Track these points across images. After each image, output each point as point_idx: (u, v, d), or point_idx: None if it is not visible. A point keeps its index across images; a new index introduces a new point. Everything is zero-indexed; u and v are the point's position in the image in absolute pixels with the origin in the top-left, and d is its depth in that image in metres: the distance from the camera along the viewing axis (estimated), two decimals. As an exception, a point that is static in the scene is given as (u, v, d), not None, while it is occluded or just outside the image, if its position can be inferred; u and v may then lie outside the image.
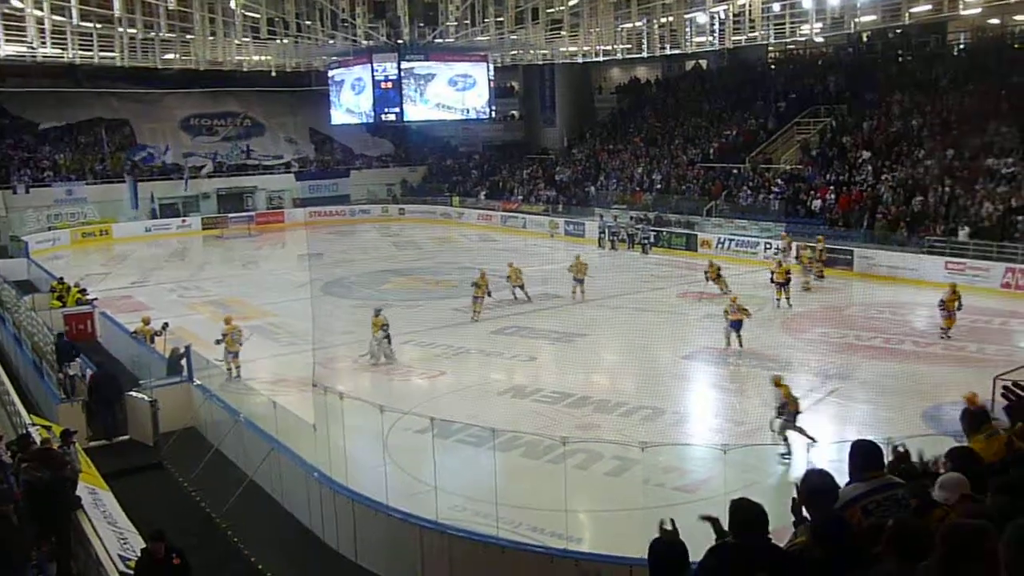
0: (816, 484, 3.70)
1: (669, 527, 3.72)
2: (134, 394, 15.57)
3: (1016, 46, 35.03)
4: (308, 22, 31.43)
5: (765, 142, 36.81)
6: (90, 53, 30.91)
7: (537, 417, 15.11)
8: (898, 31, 38.82)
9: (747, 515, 3.60)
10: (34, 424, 12.44)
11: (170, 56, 34.67)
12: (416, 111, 43.78)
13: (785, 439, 13.11)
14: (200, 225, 44.59)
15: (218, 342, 18.12)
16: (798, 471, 12.12)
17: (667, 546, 3.58)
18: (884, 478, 4.11)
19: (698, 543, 3.85)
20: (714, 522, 3.72)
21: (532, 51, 41.24)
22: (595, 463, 12.82)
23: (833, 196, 30.63)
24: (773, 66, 44.59)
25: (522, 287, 24.44)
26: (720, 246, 31.57)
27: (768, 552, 3.47)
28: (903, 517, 3.48)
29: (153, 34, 30.20)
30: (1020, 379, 12.30)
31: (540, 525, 10.82)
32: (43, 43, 27.60)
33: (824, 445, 12.54)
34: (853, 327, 20.79)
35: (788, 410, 13.07)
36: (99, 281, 28.44)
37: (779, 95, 39.50)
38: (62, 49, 29.73)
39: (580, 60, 41.84)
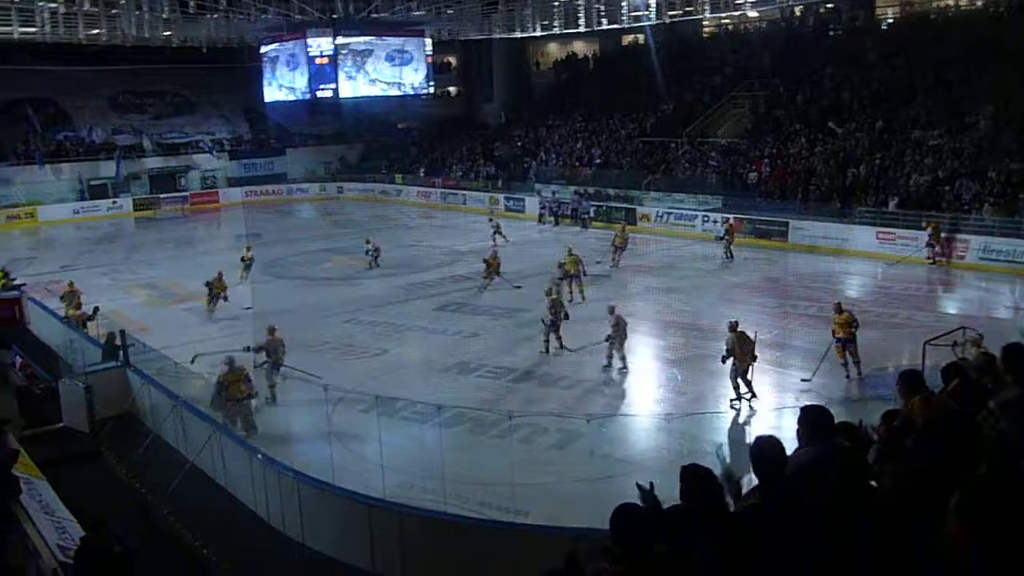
0: (765, 449, 3.77)
1: (649, 487, 3.76)
2: (68, 381, 15.17)
3: (938, 20, 35.93)
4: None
5: (702, 116, 37.21)
6: (9, 28, 29.70)
7: (481, 393, 15.15)
8: (829, 6, 39.60)
9: (698, 481, 3.65)
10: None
11: (95, 32, 33.49)
12: (352, 87, 43.21)
13: (736, 387, 13.72)
14: (131, 207, 43.41)
15: (255, 351, 15.23)
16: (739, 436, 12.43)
17: (644, 508, 3.61)
18: (835, 442, 4.21)
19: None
20: (645, 492, 3.75)
21: (468, 25, 40.91)
22: (540, 436, 12.93)
23: (768, 169, 31.18)
24: (709, 40, 45.00)
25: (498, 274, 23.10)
26: (659, 219, 31.93)
27: (720, 516, 3.53)
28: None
29: (76, 8, 29.08)
30: (947, 343, 12.74)
31: (488, 499, 10.88)
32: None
33: (765, 412, 12.85)
34: (789, 297, 21.28)
35: (734, 359, 13.56)
36: (26, 266, 27.55)
37: (715, 69, 39.95)
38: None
39: (518, 35, 41.77)
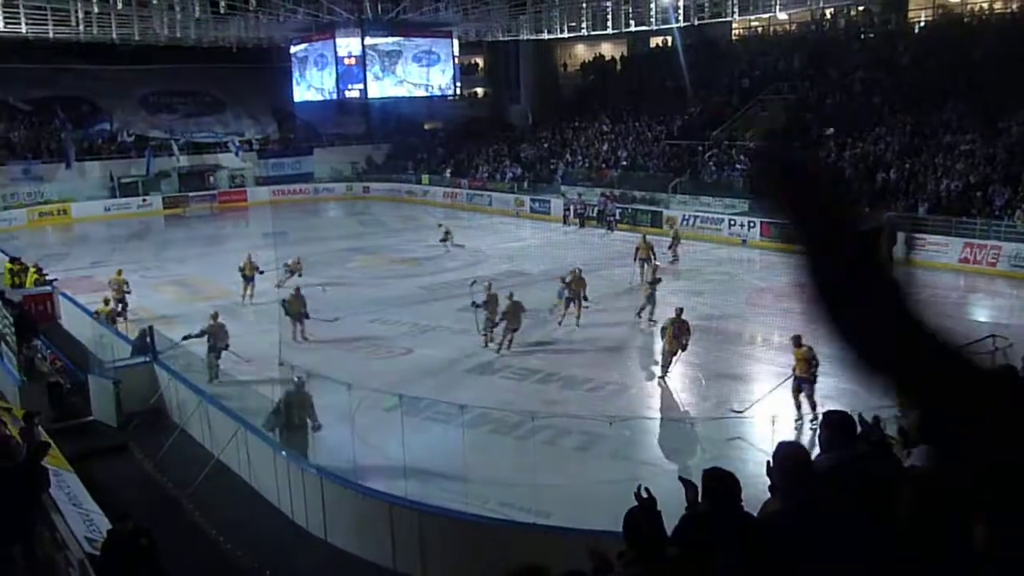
0: (787, 454, 3.76)
1: (645, 495, 3.77)
2: (97, 375, 15.39)
3: (972, 23, 35.48)
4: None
5: (730, 119, 37.02)
6: (44, 28, 30.16)
7: (505, 394, 15.17)
8: (860, 8, 39.21)
9: (720, 484, 3.65)
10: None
11: (127, 32, 33.95)
12: (380, 88, 43.46)
13: (797, 405, 13.00)
14: (161, 204, 43.90)
15: (198, 336, 16.41)
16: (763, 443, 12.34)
17: (643, 513, 3.62)
18: (858, 448, 4.19)
19: (671, 512, 3.90)
20: (690, 486, 3.77)
21: (496, 26, 40.96)
22: (563, 438, 12.91)
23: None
24: (737, 43, 44.73)
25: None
26: (685, 223, 31.77)
27: (740, 520, 3.53)
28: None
29: (109, 8, 29.49)
30: (977, 350, 12.58)
31: (509, 500, 10.89)
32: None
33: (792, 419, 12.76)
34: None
35: (795, 374, 12.99)
36: (59, 261, 27.95)
37: (743, 72, 39.73)
38: (15, 24, 28.98)
39: (545, 36, 41.77)
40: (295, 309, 18.57)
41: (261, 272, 22.30)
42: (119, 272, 21.19)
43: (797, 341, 12.98)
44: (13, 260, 23.88)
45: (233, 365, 16.44)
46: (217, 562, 10.45)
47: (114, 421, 14.77)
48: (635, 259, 22.84)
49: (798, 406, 12.97)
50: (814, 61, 36.93)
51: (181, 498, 11.97)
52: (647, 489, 3.79)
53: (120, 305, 19.58)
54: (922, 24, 38.19)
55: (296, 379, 12.65)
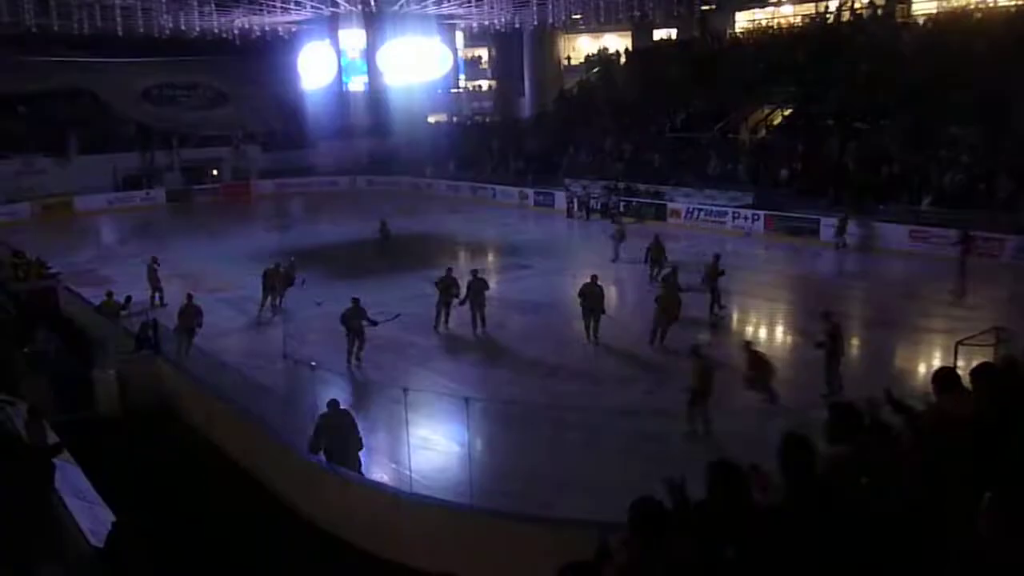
0: (793, 446, 3.76)
1: (678, 482, 3.77)
2: (101, 369, 15.42)
3: (977, 14, 35.31)
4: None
5: (733, 112, 36.90)
6: (47, 20, 30.13)
7: (510, 387, 15.17)
8: (864, 1, 39.07)
9: (725, 475, 3.65)
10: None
11: (131, 23, 33.92)
12: (384, 80, 43.43)
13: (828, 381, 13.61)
14: (164, 197, 43.93)
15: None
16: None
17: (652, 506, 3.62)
18: (863, 438, 4.19)
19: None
20: (674, 486, 3.75)
21: (500, 19, 40.89)
22: (571, 431, 12.90)
23: (800, 166, 30.86)
24: (742, 35, 44.61)
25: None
26: (689, 216, 31.73)
27: (747, 511, 3.52)
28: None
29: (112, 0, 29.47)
30: (980, 343, 12.55)
31: (515, 492, 10.89)
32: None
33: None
34: (817, 295, 20.94)
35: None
36: (62, 255, 27.95)
37: (747, 65, 39.58)
38: (18, 15, 28.95)
39: (549, 28, 41.69)
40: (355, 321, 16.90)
41: (292, 284, 21.24)
42: (154, 259, 22.09)
43: (827, 315, 13.92)
44: (16, 254, 23.90)
45: (239, 357, 16.45)
46: (220, 555, 10.47)
47: (119, 414, 14.80)
48: (646, 260, 22.50)
49: (829, 382, 13.66)
50: (818, 54, 36.75)
51: (184, 490, 11.98)
52: (683, 478, 3.78)
53: (157, 294, 19.80)
54: (927, 14, 37.99)
55: (330, 402, 11.67)
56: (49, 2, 30.12)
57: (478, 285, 18.43)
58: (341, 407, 11.68)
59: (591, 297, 17.38)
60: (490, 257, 29.05)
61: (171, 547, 8.84)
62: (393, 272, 24.16)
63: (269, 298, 20.66)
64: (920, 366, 15.73)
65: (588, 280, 17.64)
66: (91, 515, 9.57)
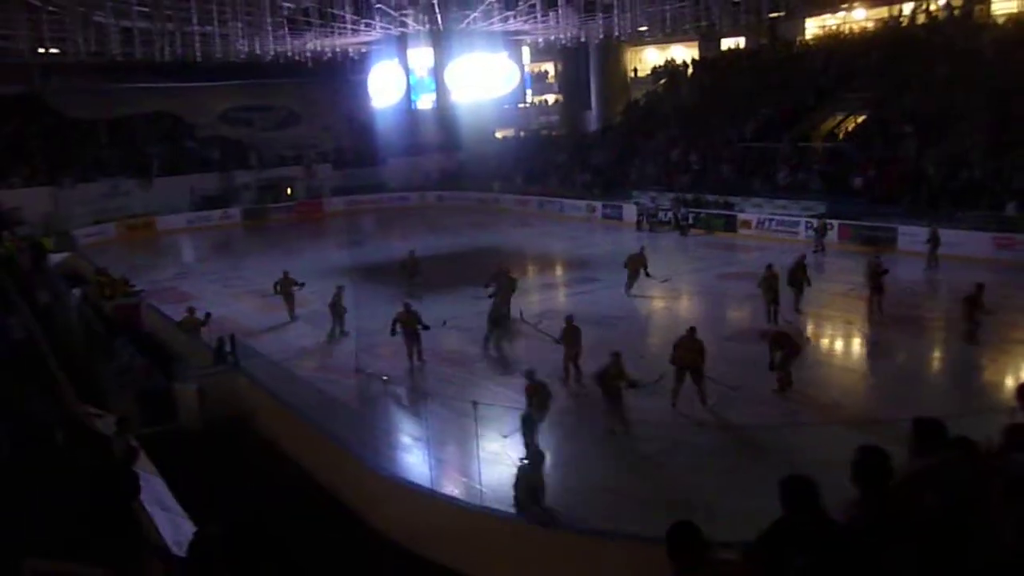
0: (869, 459, 3.68)
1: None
2: (182, 383, 15.90)
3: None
4: (342, 12, 31.52)
5: (804, 119, 36.26)
6: (130, 48, 31.37)
7: (577, 400, 15.11)
8: (940, 2, 38.00)
9: (799, 490, 3.60)
10: (89, 412, 12.72)
11: (209, 49, 35.12)
12: (451, 97, 43.95)
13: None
14: (240, 216, 45.16)
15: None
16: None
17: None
18: (948, 454, 4.08)
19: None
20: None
21: (566, 33, 41.00)
22: (641, 444, 12.81)
23: (875, 172, 30.12)
24: (812, 42, 43.81)
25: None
26: (760, 226, 31.23)
27: (821, 526, 3.47)
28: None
29: (191, 28, 30.57)
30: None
31: (588, 507, 10.85)
32: (86, 40, 28.11)
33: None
34: (902, 305, 20.39)
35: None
36: (145, 273, 28.96)
37: (818, 71, 38.87)
38: (104, 45, 30.22)
39: (616, 41, 41.58)
40: (411, 325, 17.44)
41: (301, 285, 22.60)
42: (285, 274, 22.87)
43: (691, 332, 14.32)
44: (101, 272, 24.84)
45: (314, 371, 16.79)
46: (295, 567, 10.65)
47: (198, 427, 15.23)
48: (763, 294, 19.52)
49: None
50: (893, 57, 35.85)
51: (261, 503, 12.25)
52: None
53: (205, 315, 20.04)
54: (1007, 13, 36.75)
55: (532, 456, 11.25)
56: (133, 31, 31.36)
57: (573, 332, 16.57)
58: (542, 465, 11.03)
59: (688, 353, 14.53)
60: (558, 271, 29.08)
61: (248, 558, 9.03)
62: (463, 285, 24.32)
63: (337, 325, 20.79)
64: (1008, 379, 15.16)
65: (684, 335, 14.70)
66: (173, 525, 9.86)
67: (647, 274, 22.18)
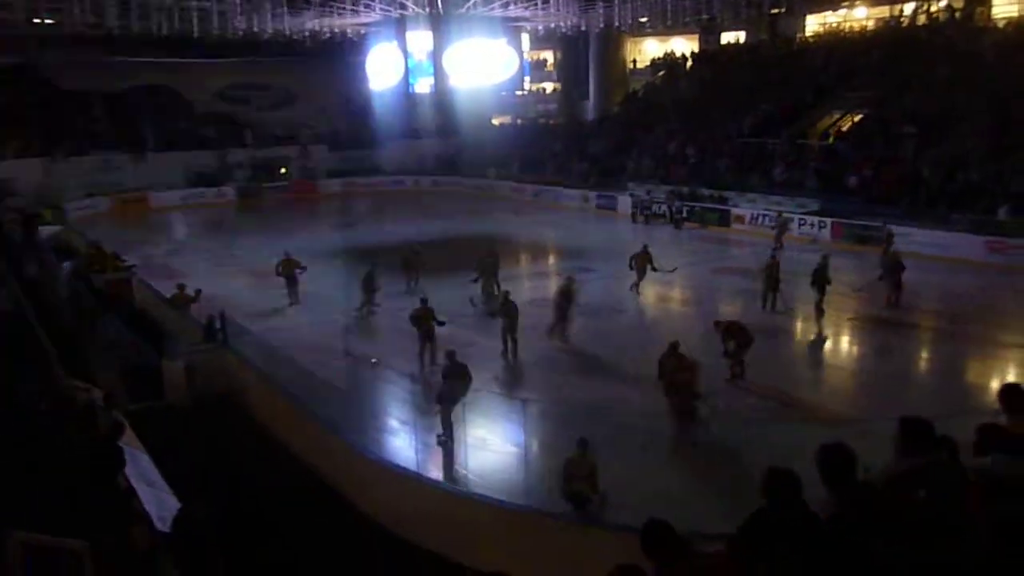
0: (830, 456, 3.70)
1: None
2: (171, 359, 15.86)
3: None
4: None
5: (803, 116, 36.25)
6: (126, 22, 31.14)
7: (569, 389, 15.14)
8: (942, 4, 37.98)
9: (781, 483, 3.60)
10: (75, 386, 12.68)
11: (207, 25, 34.92)
12: (449, 82, 43.79)
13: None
14: (235, 195, 44.98)
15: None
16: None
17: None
18: (934, 454, 4.09)
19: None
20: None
21: (566, 22, 40.88)
22: (627, 434, 12.81)
23: (871, 172, 30.14)
24: (812, 39, 43.77)
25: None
26: (754, 222, 31.25)
27: (802, 519, 3.47)
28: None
29: (190, 3, 30.35)
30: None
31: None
32: (82, 11, 27.88)
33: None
34: (892, 305, 20.46)
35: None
36: (137, 248, 28.83)
37: (818, 69, 38.85)
38: (100, 17, 29.98)
39: (615, 32, 41.49)
40: (427, 322, 16.56)
41: (304, 269, 22.32)
42: (287, 255, 22.47)
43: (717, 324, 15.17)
44: (94, 246, 24.72)
45: (302, 351, 16.75)
46: (281, 547, 10.66)
47: (187, 404, 15.20)
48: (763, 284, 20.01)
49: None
50: (893, 57, 35.84)
51: (247, 480, 12.24)
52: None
53: (196, 292, 19.91)
54: (1009, 16, 36.75)
55: (579, 441, 10.80)
56: (130, 4, 31.12)
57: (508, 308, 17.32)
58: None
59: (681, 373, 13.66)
60: (551, 260, 29.09)
61: (233, 535, 9.03)
62: (456, 271, 24.27)
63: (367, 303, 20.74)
64: (995, 382, 15.22)
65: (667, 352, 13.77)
66: (158, 501, 9.84)
67: (654, 268, 21.68)
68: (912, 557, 3.26)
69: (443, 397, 12.41)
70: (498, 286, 20.65)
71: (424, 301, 16.83)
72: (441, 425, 12.44)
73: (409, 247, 24.27)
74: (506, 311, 17.12)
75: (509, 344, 16.99)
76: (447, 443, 12.28)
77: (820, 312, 18.66)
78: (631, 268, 22.06)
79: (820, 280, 18.95)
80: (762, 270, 20.04)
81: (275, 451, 13.13)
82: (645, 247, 22.43)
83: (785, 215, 28.87)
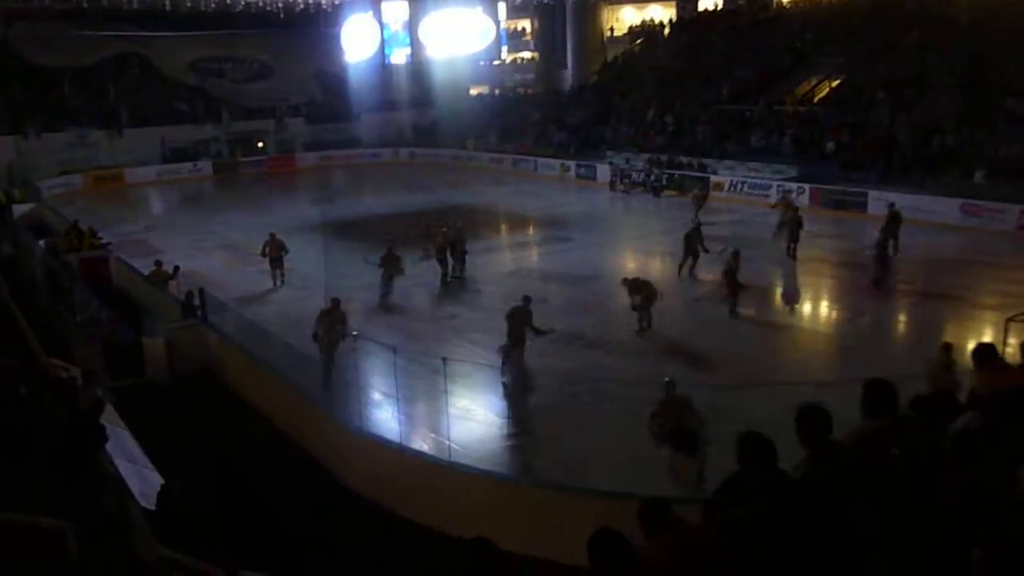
0: (807, 415, 3.77)
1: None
2: (150, 336, 15.81)
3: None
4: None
5: (779, 83, 36.26)
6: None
7: (549, 358, 15.19)
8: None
9: (754, 447, 3.67)
10: (54, 365, 12.61)
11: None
12: (426, 53, 43.39)
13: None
14: (211, 170, 44.54)
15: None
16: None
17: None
18: (899, 414, 4.17)
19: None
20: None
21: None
22: (606, 403, 12.94)
23: (847, 138, 30.27)
24: (788, 6, 43.64)
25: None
26: (732, 188, 31.36)
27: (776, 481, 3.54)
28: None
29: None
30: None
31: (551, 463, 10.97)
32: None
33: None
34: (861, 268, 20.64)
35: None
36: (113, 225, 28.57)
37: (794, 35, 38.80)
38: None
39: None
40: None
41: (287, 252, 21.29)
42: (273, 236, 21.34)
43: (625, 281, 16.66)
44: (70, 224, 24.49)
45: (284, 327, 16.72)
46: (265, 520, 10.71)
47: (167, 380, 15.17)
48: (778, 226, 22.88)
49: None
50: (868, 22, 35.83)
51: (230, 456, 12.27)
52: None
53: (173, 268, 19.63)
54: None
55: (666, 383, 10.72)
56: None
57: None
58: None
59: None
60: (531, 230, 29.08)
61: (216, 509, 9.07)
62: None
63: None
64: (970, 342, 15.42)
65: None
66: (140, 478, 9.86)
67: (705, 250, 19.96)
68: (884, 514, 3.33)
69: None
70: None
71: (528, 300, 14.59)
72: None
73: (447, 224, 22.55)
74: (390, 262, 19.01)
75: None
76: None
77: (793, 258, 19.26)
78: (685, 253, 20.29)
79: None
80: (784, 223, 21.88)
81: (258, 426, 13.14)
82: (698, 226, 21.12)
83: (702, 189, 29.94)
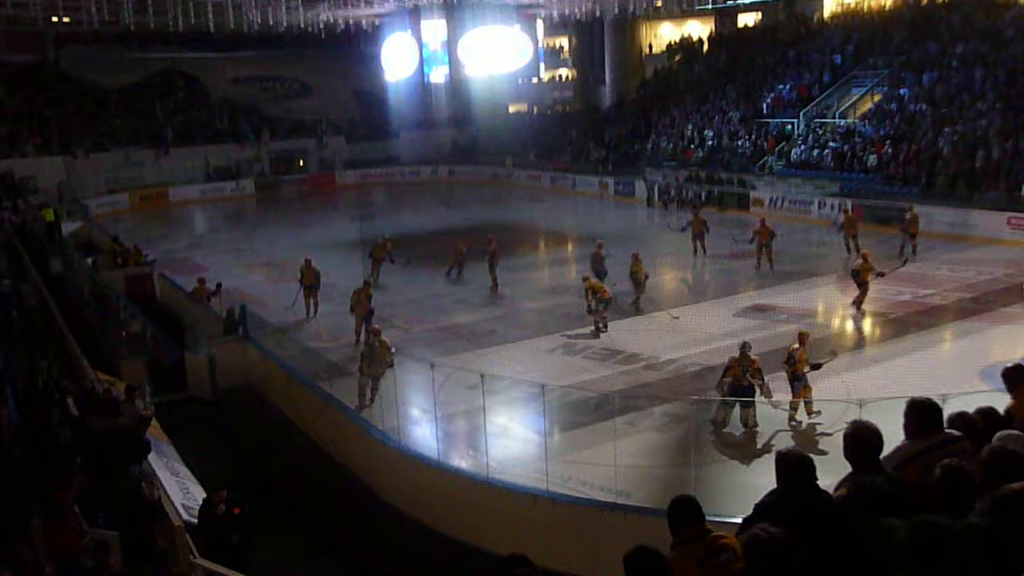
0: (859, 435, 3.71)
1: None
2: (193, 352, 16.06)
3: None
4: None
5: (820, 97, 35.92)
6: (144, 17, 31.34)
7: (586, 373, 15.17)
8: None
9: (793, 466, 3.62)
10: (100, 380, 12.87)
11: (221, 19, 35.05)
12: (464, 71, 43.67)
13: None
14: (253, 188, 45.22)
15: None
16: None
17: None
18: (943, 434, 4.08)
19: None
20: None
21: (581, 8, 40.62)
22: (645, 419, 12.86)
23: (890, 151, 29.85)
24: (829, 20, 43.25)
25: None
26: (773, 205, 31.06)
27: (815, 503, 3.49)
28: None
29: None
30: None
31: (590, 480, 10.92)
32: (99, 9, 28.10)
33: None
34: (911, 284, 20.30)
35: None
36: (158, 243, 29.10)
37: (835, 49, 38.42)
38: (117, 14, 30.20)
39: (631, 16, 41.21)
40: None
41: (319, 285, 20.21)
42: (308, 262, 20.15)
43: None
44: (115, 242, 25.03)
45: (324, 344, 16.87)
46: (305, 533, 10.80)
47: (209, 396, 15.39)
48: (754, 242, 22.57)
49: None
50: (911, 35, 35.37)
51: (270, 470, 12.41)
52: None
53: (216, 286, 19.80)
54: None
55: (742, 347, 12.03)
56: (146, 0, 31.31)
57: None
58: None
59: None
60: (570, 246, 29.07)
61: (257, 522, 9.16)
62: (470, 261, 24.35)
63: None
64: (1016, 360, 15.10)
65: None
66: (183, 491, 10.00)
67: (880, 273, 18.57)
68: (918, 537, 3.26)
69: None
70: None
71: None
72: None
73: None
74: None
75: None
76: None
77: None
78: (750, 242, 22.52)
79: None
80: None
81: (297, 441, 13.27)
82: (762, 221, 22.87)
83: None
